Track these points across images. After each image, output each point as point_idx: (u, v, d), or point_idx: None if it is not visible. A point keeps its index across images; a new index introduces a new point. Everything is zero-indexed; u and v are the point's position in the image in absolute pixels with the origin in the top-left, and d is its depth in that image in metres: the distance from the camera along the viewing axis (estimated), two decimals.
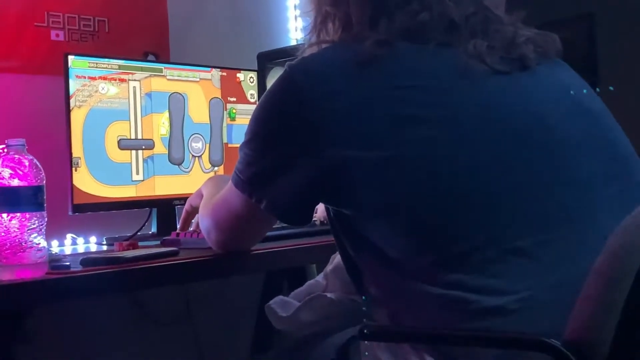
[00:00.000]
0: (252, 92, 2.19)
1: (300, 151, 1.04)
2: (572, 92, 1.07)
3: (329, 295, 1.27)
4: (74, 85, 1.78)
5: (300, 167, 1.04)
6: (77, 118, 1.79)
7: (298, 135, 1.04)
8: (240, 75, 2.16)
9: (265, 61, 2.32)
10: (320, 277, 1.34)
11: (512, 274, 0.93)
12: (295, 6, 2.69)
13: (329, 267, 1.32)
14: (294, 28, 2.68)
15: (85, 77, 1.80)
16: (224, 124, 2.10)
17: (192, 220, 1.63)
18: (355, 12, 1.10)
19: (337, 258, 1.29)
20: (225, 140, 2.11)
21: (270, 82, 2.29)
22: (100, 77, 1.83)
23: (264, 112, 1.11)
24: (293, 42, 2.64)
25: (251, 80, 2.19)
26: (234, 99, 2.13)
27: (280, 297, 1.31)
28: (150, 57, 2.19)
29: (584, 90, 1.09)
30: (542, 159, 0.98)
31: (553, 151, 0.99)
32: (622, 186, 1.02)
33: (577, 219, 0.97)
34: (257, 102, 2.16)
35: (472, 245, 0.94)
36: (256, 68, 2.26)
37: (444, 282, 0.94)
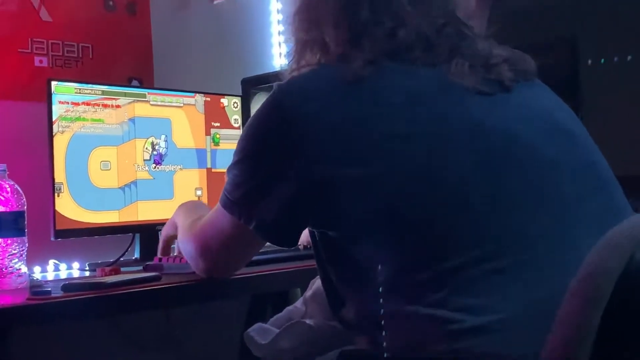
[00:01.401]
0: (236, 117, 2.19)
1: (287, 170, 1.04)
2: (552, 113, 1.08)
3: (308, 321, 1.26)
4: (57, 110, 1.79)
5: (287, 186, 1.04)
6: (60, 143, 1.79)
7: (284, 154, 1.04)
8: (224, 101, 2.17)
9: (250, 86, 2.33)
10: (299, 303, 1.33)
11: (494, 293, 0.93)
12: (279, 32, 2.70)
13: (308, 293, 1.32)
14: (278, 54, 2.69)
15: (68, 103, 1.81)
16: (208, 149, 2.11)
17: (173, 246, 1.63)
18: (331, 34, 1.11)
19: (316, 283, 1.28)
20: (209, 165, 2.11)
21: (254, 107, 2.30)
22: (83, 103, 1.83)
23: (250, 133, 1.11)
24: (277, 68, 2.65)
25: (235, 105, 2.20)
26: (218, 124, 2.14)
27: (259, 324, 1.31)
28: (134, 83, 2.20)
29: (563, 112, 1.10)
30: (523, 179, 0.99)
31: (534, 171, 1.00)
32: (601, 208, 1.02)
33: (557, 238, 0.97)
34: (243, 126, 2.17)
35: (457, 264, 0.94)
36: (240, 93, 2.27)
37: (429, 301, 0.94)
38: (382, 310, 1.00)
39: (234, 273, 1.39)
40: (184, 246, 1.37)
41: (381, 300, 0.99)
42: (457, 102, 1.02)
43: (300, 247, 1.66)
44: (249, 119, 1.13)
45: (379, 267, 0.99)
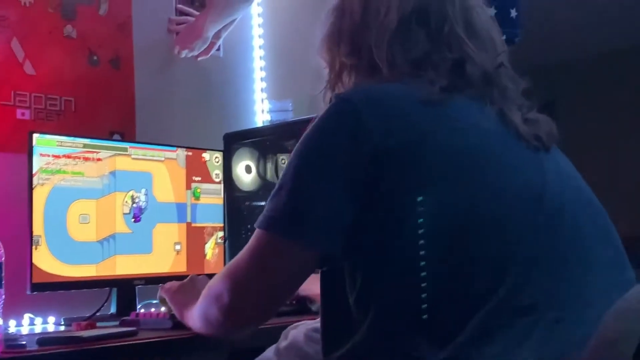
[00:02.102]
0: (217, 172, 2.20)
1: (353, 181, 0.99)
2: (578, 181, 1.11)
3: None
4: (37, 163, 1.78)
5: (350, 199, 0.99)
6: (40, 196, 1.78)
7: (355, 163, 0.99)
8: (206, 155, 2.18)
9: (232, 142, 2.35)
10: (271, 353, 1.32)
11: (512, 339, 0.94)
12: (262, 89, 2.74)
13: (282, 344, 1.31)
14: (261, 110, 2.72)
15: (49, 155, 1.81)
16: (188, 203, 2.11)
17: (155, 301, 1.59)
18: (384, 58, 1.09)
19: (293, 335, 1.27)
20: (188, 220, 2.10)
21: (236, 162, 2.31)
22: (64, 156, 1.83)
23: (314, 139, 1.04)
24: (259, 124, 2.68)
25: (217, 160, 2.21)
26: (199, 179, 2.14)
27: None
28: (116, 137, 2.21)
29: (583, 180, 1.13)
30: (561, 242, 1.01)
31: (569, 235, 1.02)
32: (618, 275, 1.05)
33: (580, 297, 0.99)
34: (224, 181, 2.18)
35: (489, 310, 0.94)
36: (222, 148, 2.28)
37: (452, 345, 0.94)
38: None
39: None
40: (200, 306, 1.17)
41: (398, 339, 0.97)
42: (519, 153, 1.04)
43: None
44: (307, 132, 1.04)
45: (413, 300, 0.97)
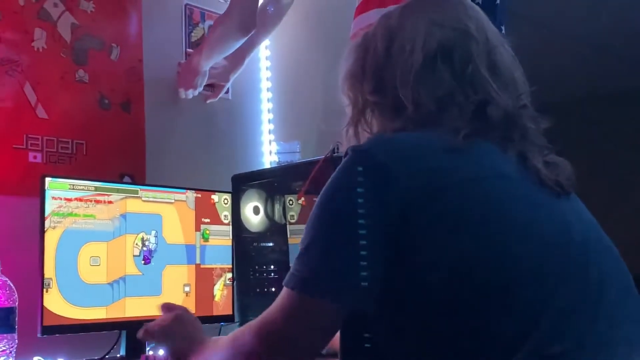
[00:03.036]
0: (225, 214, 2.22)
1: (382, 236, 0.97)
2: (597, 228, 1.10)
3: None
4: (49, 206, 1.81)
5: (380, 255, 0.98)
6: (51, 239, 1.80)
7: (383, 218, 0.97)
8: (215, 197, 2.20)
9: (240, 183, 2.37)
10: None
11: None
12: (270, 131, 2.77)
13: None
14: (269, 152, 2.74)
15: (61, 199, 1.83)
16: (197, 245, 2.12)
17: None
18: (410, 97, 1.08)
19: None
20: (197, 261, 2.12)
21: (244, 204, 2.33)
22: (76, 199, 1.86)
23: (340, 194, 1.02)
24: (267, 165, 2.71)
25: (225, 201, 2.23)
26: (208, 220, 2.16)
27: None
28: (126, 179, 2.23)
29: (600, 228, 1.12)
30: (590, 291, 1.00)
31: (595, 285, 1.01)
32: (636, 328, 1.04)
33: (614, 352, 0.98)
34: (232, 223, 2.19)
35: (518, 357, 0.93)
36: (230, 190, 2.30)
37: None
38: None
39: None
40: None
41: None
42: (544, 201, 1.04)
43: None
44: (325, 187, 1.04)
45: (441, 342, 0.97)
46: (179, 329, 1.36)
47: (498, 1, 1.85)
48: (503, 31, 1.87)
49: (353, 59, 1.19)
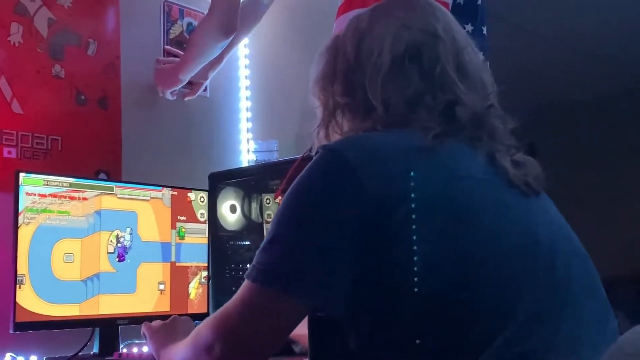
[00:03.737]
0: (202, 212, 2.21)
1: (349, 236, 0.98)
2: (568, 228, 1.12)
3: None
4: (23, 202, 1.79)
5: (347, 254, 0.98)
6: (25, 235, 1.78)
7: (350, 217, 0.98)
8: (191, 195, 2.19)
9: (217, 181, 2.36)
10: None
11: None
12: (248, 129, 2.76)
13: None
14: (246, 150, 2.74)
15: (35, 195, 1.81)
16: (173, 243, 2.12)
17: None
18: (379, 99, 1.10)
19: None
20: (173, 259, 2.11)
21: (220, 201, 2.32)
22: (50, 195, 1.84)
23: (308, 191, 1.02)
24: (245, 164, 2.70)
25: (202, 199, 2.22)
26: (184, 218, 2.15)
27: None
28: (102, 176, 2.22)
29: (570, 227, 1.13)
30: (556, 291, 1.01)
31: (562, 285, 1.02)
32: (605, 327, 1.06)
33: (574, 343, 1.00)
34: (209, 221, 2.19)
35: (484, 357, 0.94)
36: (207, 188, 2.30)
37: None
38: None
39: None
40: (185, 354, 1.13)
41: None
42: (512, 203, 1.04)
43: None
44: (294, 184, 1.04)
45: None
46: (167, 329, 1.38)
47: (479, 1, 1.86)
48: (485, 31, 1.88)
49: (324, 61, 1.21)
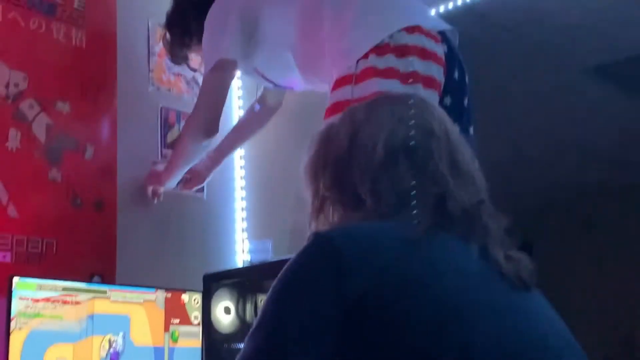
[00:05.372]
0: (195, 314, 2.20)
1: (333, 323, 0.97)
2: (559, 323, 1.10)
3: None
4: (16, 307, 1.78)
5: (329, 341, 0.97)
6: (17, 340, 1.77)
7: (335, 305, 0.97)
8: (185, 297, 2.19)
9: (211, 282, 2.35)
10: None
11: None
12: (243, 229, 2.77)
13: None
14: (241, 250, 2.74)
15: (28, 299, 1.81)
16: (166, 347, 2.09)
17: None
18: (369, 192, 1.11)
19: None
20: None
21: (215, 303, 2.31)
22: (43, 299, 1.84)
23: (294, 278, 1.03)
24: (240, 264, 2.70)
25: (195, 302, 2.21)
26: (177, 321, 2.14)
27: None
28: (96, 279, 2.21)
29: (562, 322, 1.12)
30: None
31: None
32: None
33: None
34: (202, 323, 2.17)
35: None
36: (201, 289, 2.29)
37: None
38: None
39: None
40: None
41: None
42: (504, 298, 1.04)
43: None
44: (282, 272, 1.03)
45: None
46: None
47: (466, 104, 1.91)
48: (472, 132, 1.92)
49: (315, 150, 1.22)
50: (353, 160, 1.15)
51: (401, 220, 1.08)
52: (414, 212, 1.08)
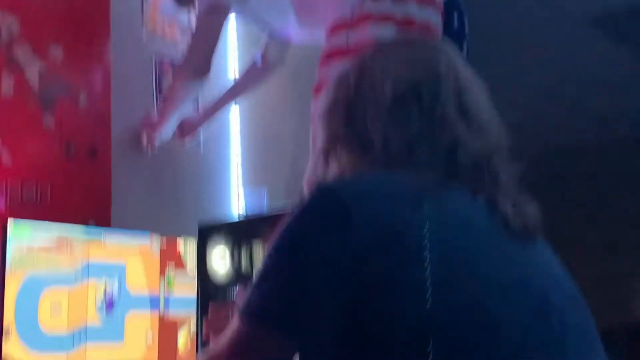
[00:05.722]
0: (190, 263, 2.21)
1: (344, 276, 0.96)
2: (563, 276, 1.10)
3: None
4: (11, 251, 1.78)
5: (340, 294, 0.96)
6: (12, 285, 1.77)
7: (344, 259, 0.97)
8: (180, 245, 2.19)
9: (206, 231, 2.36)
10: None
11: None
12: (238, 177, 2.77)
13: None
14: (236, 198, 2.75)
15: (23, 245, 1.81)
16: (161, 293, 2.10)
17: None
18: (379, 136, 1.09)
19: None
20: (161, 309, 2.09)
21: (210, 251, 2.32)
22: (38, 244, 1.84)
23: (302, 231, 1.02)
24: (235, 213, 2.70)
25: (191, 250, 2.22)
26: (172, 266, 2.15)
27: None
28: (91, 222, 2.21)
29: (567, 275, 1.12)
30: (544, 351, 0.99)
31: (556, 342, 1.01)
32: None
33: None
34: (197, 269, 2.18)
35: None
36: (196, 237, 2.29)
37: None
38: None
39: None
40: None
41: None
42: (509, 252, 1.03)
43: None
44: (286, 224, 1.02)
45: None
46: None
47: (465, 50, 1.89)
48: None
49: (328, 95, 1.20)
50: (362, 103, 1.13)
51: (410, 170, 1.06)
52: (423, 162, 1.06)
